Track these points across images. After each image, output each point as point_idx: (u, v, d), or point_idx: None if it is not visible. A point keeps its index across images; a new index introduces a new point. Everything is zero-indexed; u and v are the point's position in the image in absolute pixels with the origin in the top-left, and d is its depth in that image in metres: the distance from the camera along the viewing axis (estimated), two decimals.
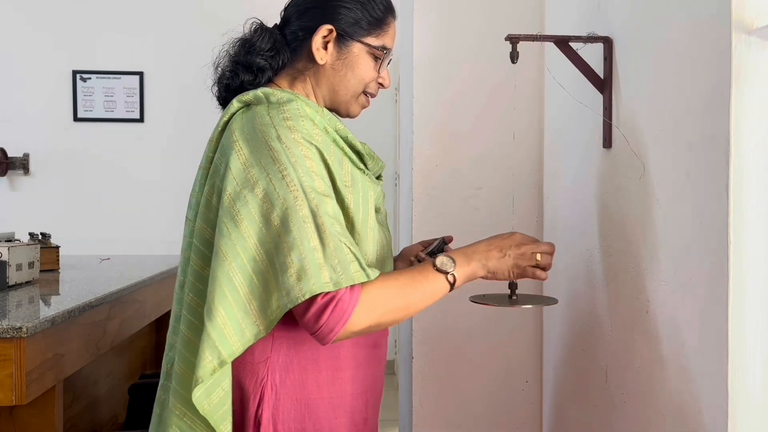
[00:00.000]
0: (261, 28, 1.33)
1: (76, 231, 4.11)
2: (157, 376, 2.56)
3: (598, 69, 1.57)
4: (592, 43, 1.56)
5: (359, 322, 1.15)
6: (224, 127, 1.26)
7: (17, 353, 1.54)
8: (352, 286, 1.14)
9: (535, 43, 1.81)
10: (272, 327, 1.15)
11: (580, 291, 1.74)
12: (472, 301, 1.43)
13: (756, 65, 1.09)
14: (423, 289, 1.23)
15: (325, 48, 1.30)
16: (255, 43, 1.31)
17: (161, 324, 3.02)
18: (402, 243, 2.27)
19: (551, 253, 1.34)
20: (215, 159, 1.25)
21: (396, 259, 1.52)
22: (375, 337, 1.32)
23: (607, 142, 1.56)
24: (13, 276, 2.07)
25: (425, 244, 1.53)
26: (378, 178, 1.39)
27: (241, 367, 1.23)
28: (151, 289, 2.49)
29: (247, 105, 1.26)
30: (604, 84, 1.56)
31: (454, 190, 2.08)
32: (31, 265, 2.19)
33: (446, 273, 1.24)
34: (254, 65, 1.31)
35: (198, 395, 1.16)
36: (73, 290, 2.11)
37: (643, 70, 1.40)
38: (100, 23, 4.43)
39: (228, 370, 1.20)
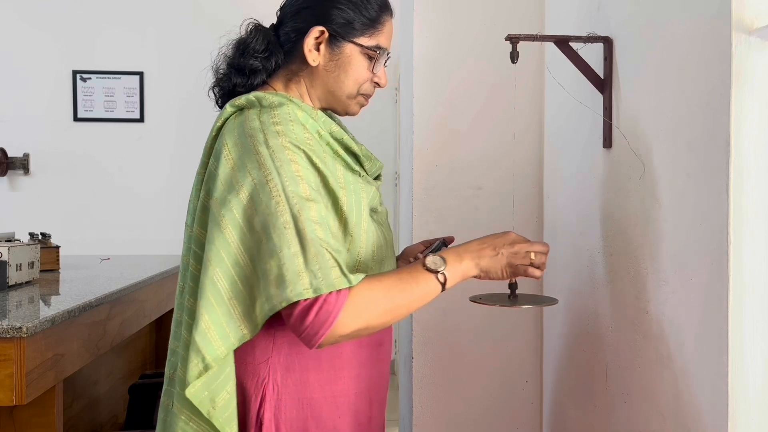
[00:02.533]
0: (256, 29, 1.33)
1: (76, 231, 4.11)
2: (157, 376, 2.59)
3: (598, 69, 1.57)
4: (592, 43, 1.56)
5: (346, 326, 1.13)
6: (218, 133, 1.26)
7: (17, 353, 1.54)
8: (338, 290, 1.13)
9: (535, 43, 1.81)
10: (257, 330, 1.15)
11: (580, 291, 1.74)
12: (471, 301, 1.43)
13: (756, 65, 1.09)
14: (412, 291, 1.20)
15: (318, 49, 1.29)
16: (250, 44, 1.31)
17: (161, 324, 3.02)
18: (402, 243, 2.27)
19: (545, 253, 1.30)
20: (209, 164, 1.24)
21: (397, 259, 1.52)
22: (379, 335, 1.32)
23: (607, 142, 1.56)
24: (13, 276, 2.07)
25: (427, 244, 1.53)
26: (376, 178, 1.38)
27: (242, 368, 1.23)
28: (151, 289, 2.49)
29: (240, 109, 1.26)
30: (604, 84, 1.56)
31: (454, 190, 2.08)
32: (31, 265, 2.19)
33: (436, 272, 1.21)
34: (246, 68, 1.30)
35: (200, 399, 1.16)
36: (73, 290, 2.11)
37: (643, 70, 1.40)
38: (100, 23, 4.43)
39: (231, 373, 1.19)
